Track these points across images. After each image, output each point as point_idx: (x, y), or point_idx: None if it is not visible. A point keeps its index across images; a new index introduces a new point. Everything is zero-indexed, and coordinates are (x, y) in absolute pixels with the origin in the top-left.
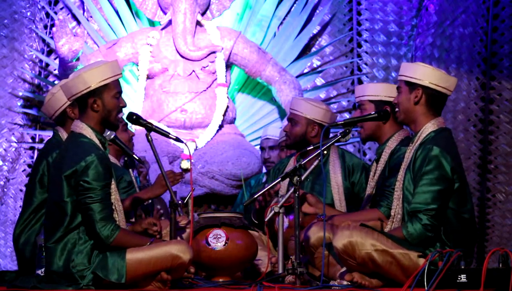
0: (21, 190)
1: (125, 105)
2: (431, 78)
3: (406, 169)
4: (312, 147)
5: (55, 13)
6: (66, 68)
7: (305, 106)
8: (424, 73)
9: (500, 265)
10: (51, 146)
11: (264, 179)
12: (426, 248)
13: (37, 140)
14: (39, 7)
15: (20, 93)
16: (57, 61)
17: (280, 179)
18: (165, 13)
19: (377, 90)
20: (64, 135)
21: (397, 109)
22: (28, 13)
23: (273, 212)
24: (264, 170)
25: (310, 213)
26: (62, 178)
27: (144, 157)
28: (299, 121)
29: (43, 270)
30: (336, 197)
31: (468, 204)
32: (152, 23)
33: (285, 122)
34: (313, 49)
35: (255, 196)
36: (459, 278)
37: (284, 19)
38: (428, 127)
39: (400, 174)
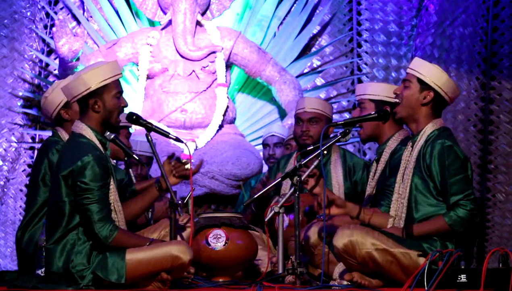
0: (21, 190)
1: (126, 105)
2: (445, 86)
3: (415, 168)
4: (312, 147)
5: (55, 13)
6: (66, 68)
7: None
8: (441, 79)
9: (500, 265)
10: (50, 143)
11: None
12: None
13: (37, 140)
14: (39, 7)
15: (20, 93)
16: (57, 61)
17: (280, 179)
18: (165, 13)
19: (378, 90)
20: (63, 134)
21: (398, 100)
22: (28, 13)
23: (273, 212)
24: (264, 170)
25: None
26: (60, 178)
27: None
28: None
29: (43, 270)
30: None
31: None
32: (152, 23)
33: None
34: (313, 49)
35: (255, 196)
36: (459, 278)
37: (284, 19)
38: (430, 127)
39: (399, 175)
